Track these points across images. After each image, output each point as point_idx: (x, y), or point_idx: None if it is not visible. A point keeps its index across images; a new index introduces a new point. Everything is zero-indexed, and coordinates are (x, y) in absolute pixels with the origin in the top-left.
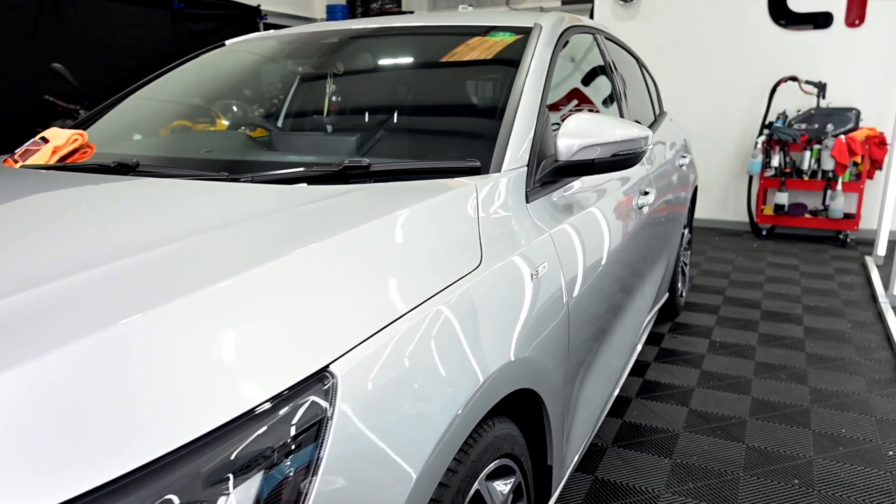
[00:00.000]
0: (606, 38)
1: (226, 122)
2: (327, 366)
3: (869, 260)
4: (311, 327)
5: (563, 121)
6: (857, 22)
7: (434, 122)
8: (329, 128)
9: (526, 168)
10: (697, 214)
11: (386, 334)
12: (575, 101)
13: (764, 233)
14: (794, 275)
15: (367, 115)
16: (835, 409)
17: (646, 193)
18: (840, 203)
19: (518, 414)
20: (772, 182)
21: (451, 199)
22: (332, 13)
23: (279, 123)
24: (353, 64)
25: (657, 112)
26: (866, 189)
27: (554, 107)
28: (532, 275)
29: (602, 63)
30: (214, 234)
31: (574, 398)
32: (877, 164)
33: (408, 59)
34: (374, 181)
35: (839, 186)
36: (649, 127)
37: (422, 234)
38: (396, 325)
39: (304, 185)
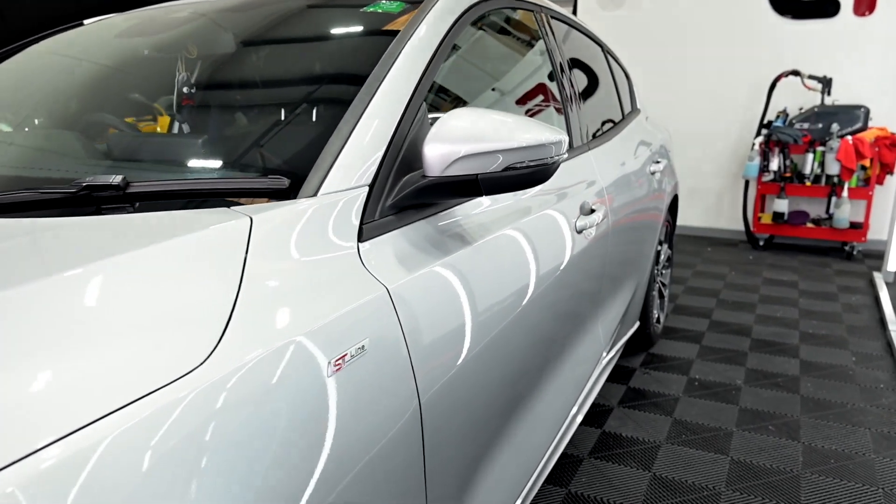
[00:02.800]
0: (553, 18)
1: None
2: None
3: (878, 276)
4: None
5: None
6: (866, 11)
7: (263, 120)
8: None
9: (367, 189)
10: (687, 222)
11: None
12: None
13: (761, 243)
14: (793, 294)
15: (180, 111)
16: (831, 476)
17: (591, 212)
18: (846, 211)
19: None
20: (770, 187)
21: (189, 245)
22: None
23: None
24: (200, 46)
25: (627, 109)
26: (875, 196)
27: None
28: (332, 364)
29: (544, 49)
30: None
31: None
32: (887, 169)
33: (248, 40)
34: (149, 204)
35: (845, 193)
36: (614, 126)
37: (114, 308)
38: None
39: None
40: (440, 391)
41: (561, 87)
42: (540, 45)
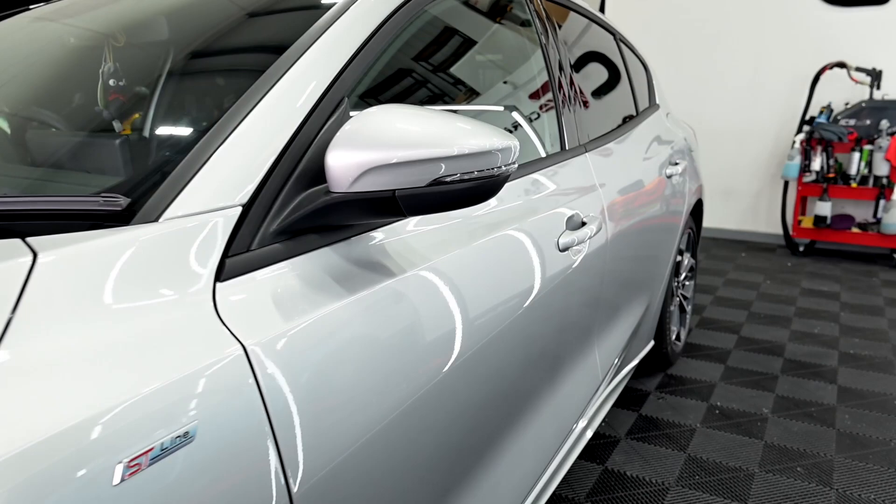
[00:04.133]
0: (548, 0)
1: None
2: None
3: None
4: None
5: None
6: None
7: (113, 122)
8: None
9: (241, 210)
10: (721, 224)
11: None
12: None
13: (801, 249)
14: (834, 307)
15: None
16: None
17: (581, 225)
18: (895, 216)
19: None
20: (812, 189)
21: None
22: None
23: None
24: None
25: (642, 105)
26: None
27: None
28: (125, 466)
29: (533, 37)
30: None
31: None
32: None
33: (117, 27)
34: None
35: (894, 195)
36: (623, 124)
37: None
38: None
39: None
40: (332, 484)
41: (553, 82)
42: (526, 31)
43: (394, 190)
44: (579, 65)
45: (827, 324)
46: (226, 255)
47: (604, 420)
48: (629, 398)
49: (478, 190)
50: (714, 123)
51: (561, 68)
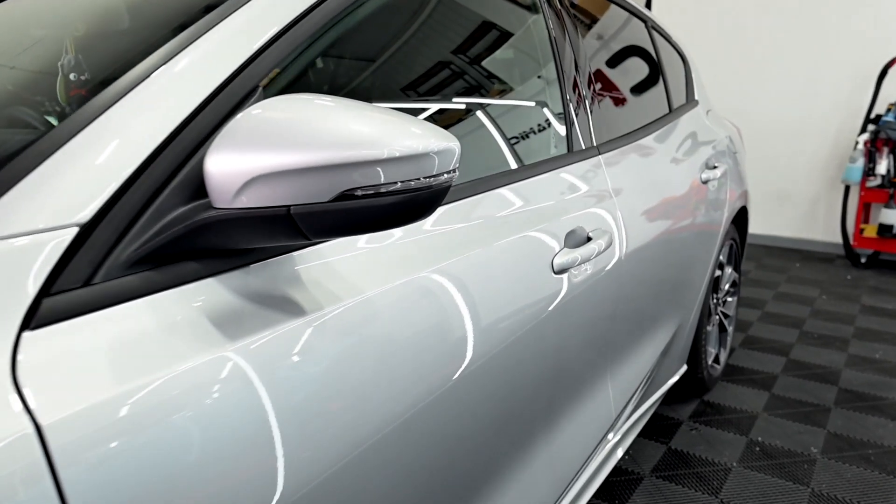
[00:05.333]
0: None
1: None
2: None
3: None
4: None
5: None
6: None
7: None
8: None
9: (75, 232)
10: (774, 231)
11: None
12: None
13: (863, 260)
14: None
15: None
16: None
17: (586, 241)
18: None
19: None
20: (876, 194)
21: None
22: None
23: None
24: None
25: (678, 101)
26: None
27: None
28: None
29: (539, 22)
30: None
31: None
32: None
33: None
34: None
35: None
36: (652, 123)
37: None
38: None
39: None
40: None
41: (561, 74)
42: (525, 16)
43: (289, 206)
44: (601, 56)
45: (891, 348)
46: (44, 292)
47: (627, 452)
48: (658, 427)
49: (405, 206)
50: (767, 121)
51: (575, 59)
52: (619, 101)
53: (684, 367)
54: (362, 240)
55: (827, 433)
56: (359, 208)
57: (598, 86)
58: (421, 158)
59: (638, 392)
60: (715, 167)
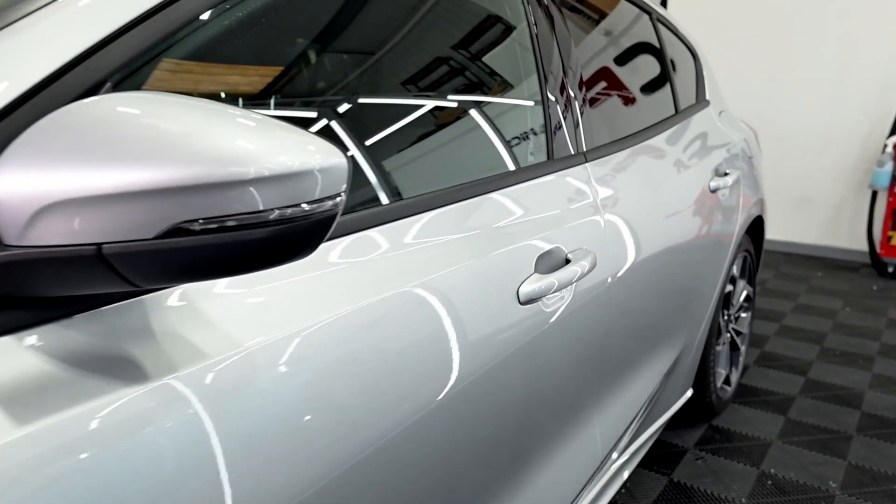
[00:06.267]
0: None
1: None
2: None
3: None
4: None
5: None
6: None
7: None
8: None
9: None
10: (796, 237)
11: None
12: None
13: (890, 270)
14: None
15: None
16: None
17: (564, 263)
18: None
19: None
20: None
21: None
22: None
23: None
24: None
25: (686, 101)
26: None
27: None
28: None
29: (517, 13)
30: None
31: None
32: None
33: None
34: None
35: None
36: (653, 126)
37: None
38: None
39: None
40: None
41: (542, 73)
42: (507, 6)
43: (100, 244)
44: (597, 52)
45: None
46: None
47: (625, 485)
48: (660, 456)
49: (269, 244)
50: (788, 122)
51: (561, 56)
52: (617, 103)
53: (690, 391)
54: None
55: (847, 465)
56: (201, 247)
57: (594, 86)
58: (296, 179)
59: (635, 422)
60: (726, 174)
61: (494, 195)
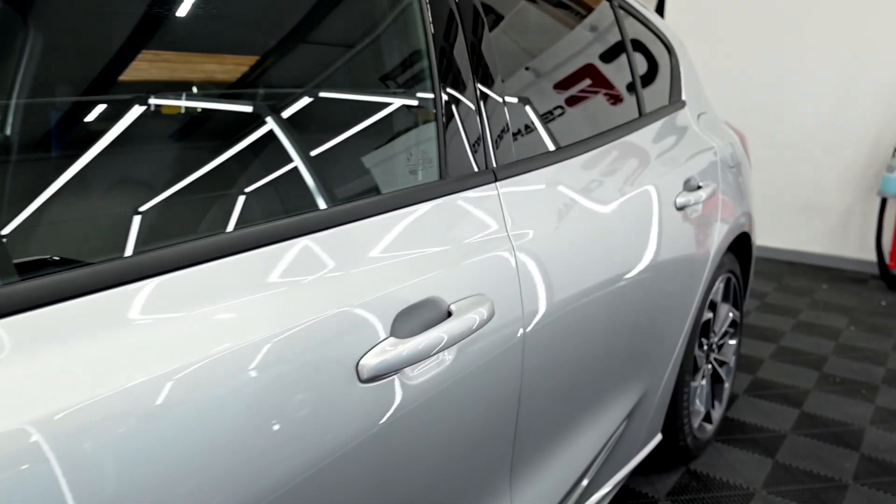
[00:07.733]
0: None
1: None
2: None
3: None
4: None
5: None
6: None
7: None
8: None
9: None
10: (800, 246)
11: None
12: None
13: None
14: None
15: None
16: None
17: (446, 315)
18: None
19: None
20: None
21: None
22: None
23: None
24: None
25: (655, 102)
26: None
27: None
28: None
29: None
30: None
31: None
32: None
33: None
34: None
35: None
36: (606, 133)
37: None
38: None
39: None
40: None
41: (435, 74)
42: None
43: None
44: (534, 46)
45: None
46: None
47: None
48: None
49: None
50: (793, 124)
51: (470, 53)
52: (559, 106)
53: (659, 437)
54: None
55: None
56: None
57: (528, 88)
58: None
59: (585, 478)
60: (699, 187)
61: (347, 228)
